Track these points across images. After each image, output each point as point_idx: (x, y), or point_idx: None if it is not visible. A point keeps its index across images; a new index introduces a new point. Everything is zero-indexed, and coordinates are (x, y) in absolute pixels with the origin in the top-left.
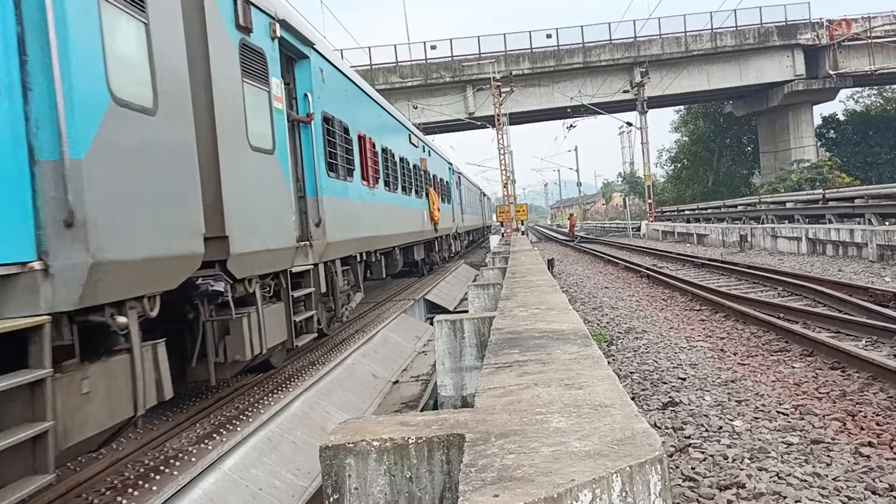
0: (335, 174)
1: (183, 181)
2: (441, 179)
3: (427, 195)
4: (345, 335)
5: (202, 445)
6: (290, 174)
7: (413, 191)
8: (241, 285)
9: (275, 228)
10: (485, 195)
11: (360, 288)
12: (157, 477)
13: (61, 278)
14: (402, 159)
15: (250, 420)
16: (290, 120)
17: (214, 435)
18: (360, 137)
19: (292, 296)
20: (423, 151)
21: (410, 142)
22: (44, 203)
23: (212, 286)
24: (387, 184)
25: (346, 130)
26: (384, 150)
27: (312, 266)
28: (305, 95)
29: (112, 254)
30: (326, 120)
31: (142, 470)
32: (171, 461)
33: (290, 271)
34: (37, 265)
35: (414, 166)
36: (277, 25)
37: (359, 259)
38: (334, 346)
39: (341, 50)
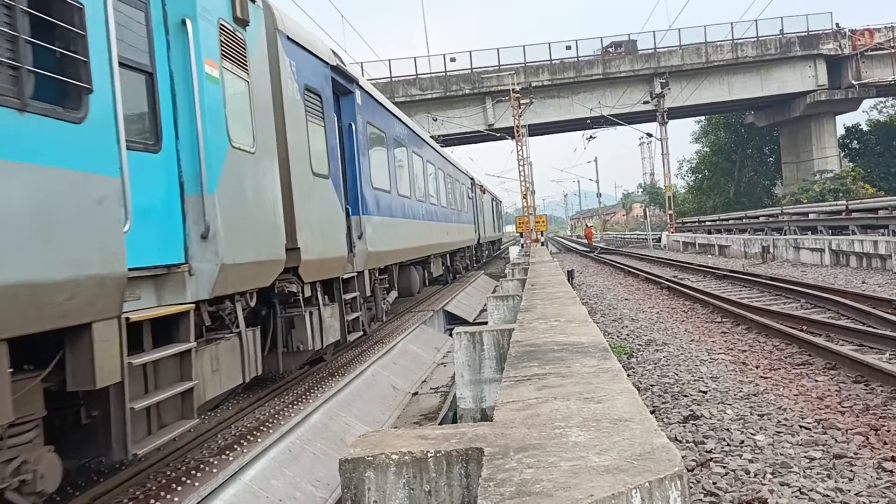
0: None
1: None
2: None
3: None
4: (364, 346)
5: (223, 456)
6: None
7: None
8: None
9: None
10: (476, 186)
11: None
12: (179, 488)
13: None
14: None
15: (271, 431)
16: None
17: (235, 446)
18: None
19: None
20: None
21: None
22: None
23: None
24: None
25: None
26: None
27: None
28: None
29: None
30: None
31: (164, 481)
32: (193, 472)
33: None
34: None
35: None
36: None
37: None
38: (354, 357)
39: (361, 63)
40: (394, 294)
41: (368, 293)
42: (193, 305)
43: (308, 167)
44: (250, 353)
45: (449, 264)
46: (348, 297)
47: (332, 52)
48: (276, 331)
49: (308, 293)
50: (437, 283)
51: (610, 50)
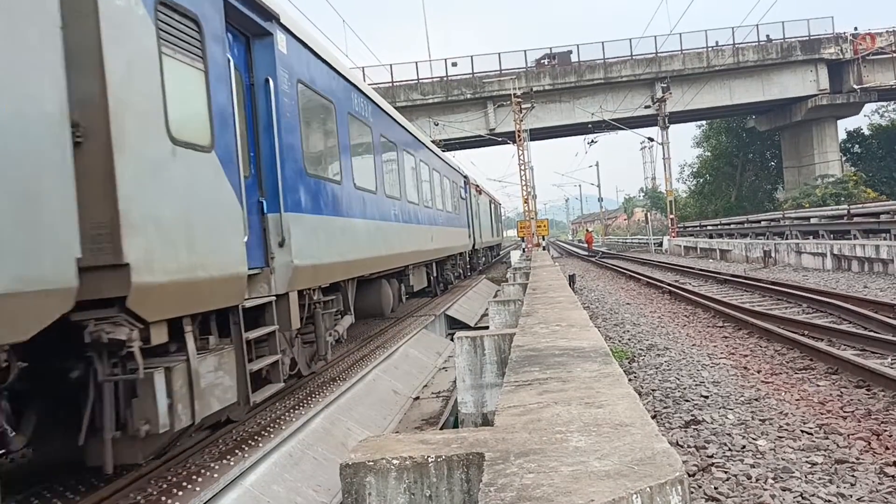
0: None
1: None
2: None
3: None
4: (365, 351)
5: (224, 461)
6: None
7: None
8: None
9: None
10: (470, 185)
11: None
12: (180, 493)
13: None
14: None
15: (272, 436)
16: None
17: (236, 451)
18: None
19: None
20: None
21: None
22: None
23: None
24: None
25: None
26: None
27: None
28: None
29: None
30: None
31: (164, 486)
32: (194, 477)
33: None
34: None
35: None
36: None
37: None
38: (355, 362)
39: (363, 67)
40: (349, 319)
41: (299, 324)
42: None
43: (162, 128)
44: None
45: (437, 274)
46: (257, 334)
47: None
48: (98, 405)
49: (161, 338)
50: (425, 295)
51: (543, 62)
